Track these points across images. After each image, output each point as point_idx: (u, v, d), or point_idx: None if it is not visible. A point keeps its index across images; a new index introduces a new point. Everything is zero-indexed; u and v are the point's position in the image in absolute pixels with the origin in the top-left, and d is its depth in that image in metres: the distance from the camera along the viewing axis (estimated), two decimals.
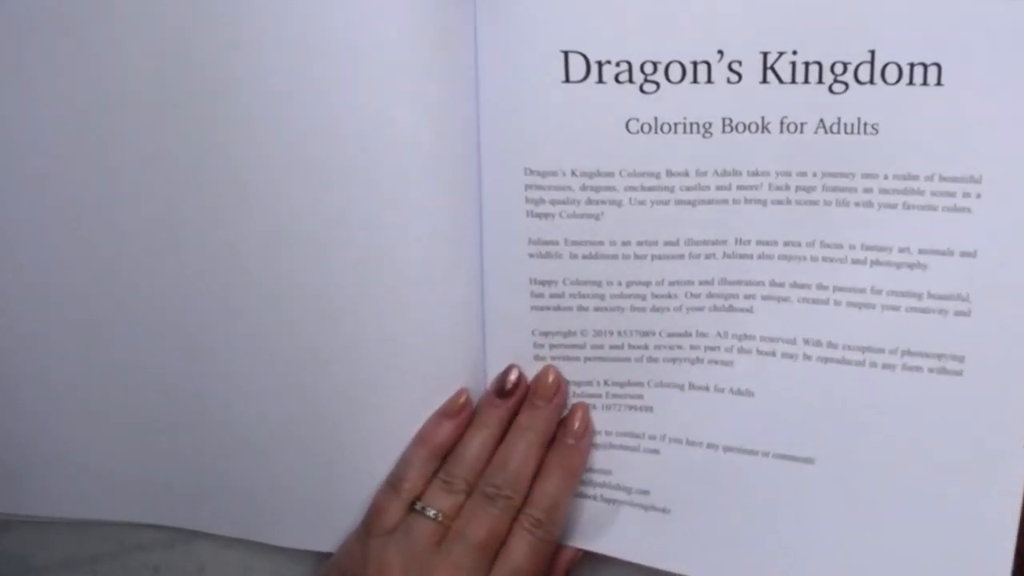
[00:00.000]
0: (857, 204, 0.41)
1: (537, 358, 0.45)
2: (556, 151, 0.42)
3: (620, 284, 0.44)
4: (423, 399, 0.44)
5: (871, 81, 0.40)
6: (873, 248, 0.42)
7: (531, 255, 0.44)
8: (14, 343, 0.46)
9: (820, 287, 0.42)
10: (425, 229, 0.43)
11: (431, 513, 0.43)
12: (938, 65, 0.40)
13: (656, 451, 0.45)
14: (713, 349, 0.44)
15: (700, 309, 0.44)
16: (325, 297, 0.43)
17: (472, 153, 0.43)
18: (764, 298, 0.43)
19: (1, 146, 0.44)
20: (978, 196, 0.40)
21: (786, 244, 0.43)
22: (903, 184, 0.41)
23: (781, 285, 0.43)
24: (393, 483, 0.44)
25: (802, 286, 0.43)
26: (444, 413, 0.45)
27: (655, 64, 0.41)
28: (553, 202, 0.43)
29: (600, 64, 0.41)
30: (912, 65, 0.40)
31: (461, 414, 0.45)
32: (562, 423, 0.45)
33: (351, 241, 0.43)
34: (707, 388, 0.44)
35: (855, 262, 0.42)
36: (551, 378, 0.45)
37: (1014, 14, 0.39)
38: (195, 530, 0.48)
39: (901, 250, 0.41)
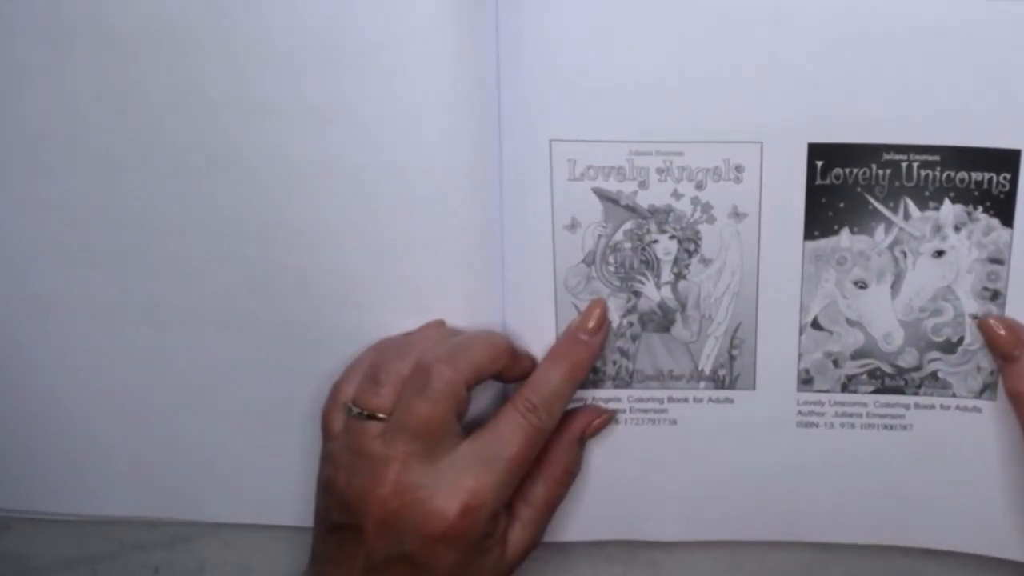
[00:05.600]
0: None
1: None
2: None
3: None
4: None
5: None
6: None
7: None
8: (14, 344, 0.47)
9: None
10: (446, 228, 0.43)
11: (361, 412, 0.41)
12: None
13: None
14: None
15: None
16: (335, 287, 0.44)
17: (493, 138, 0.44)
18: None
19: (5, 145, 0.44)
20: None
21: None
22: None
23: None
24: (334, 395, 0.43)
25: None
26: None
27: None
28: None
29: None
30: None
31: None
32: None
33: (366, 236, 0.43)
34: None
35: None
36: (597, 312, 0.44)
37: None
38: (195, 522, 0.49)
39: None
